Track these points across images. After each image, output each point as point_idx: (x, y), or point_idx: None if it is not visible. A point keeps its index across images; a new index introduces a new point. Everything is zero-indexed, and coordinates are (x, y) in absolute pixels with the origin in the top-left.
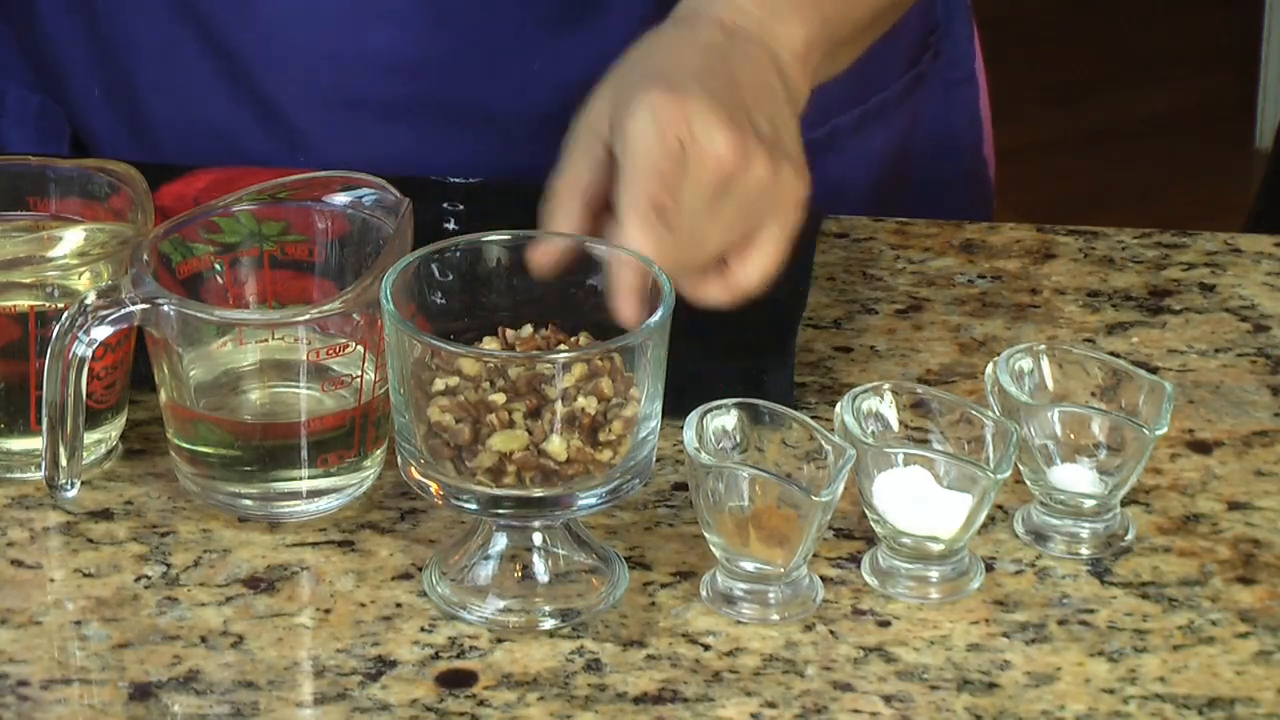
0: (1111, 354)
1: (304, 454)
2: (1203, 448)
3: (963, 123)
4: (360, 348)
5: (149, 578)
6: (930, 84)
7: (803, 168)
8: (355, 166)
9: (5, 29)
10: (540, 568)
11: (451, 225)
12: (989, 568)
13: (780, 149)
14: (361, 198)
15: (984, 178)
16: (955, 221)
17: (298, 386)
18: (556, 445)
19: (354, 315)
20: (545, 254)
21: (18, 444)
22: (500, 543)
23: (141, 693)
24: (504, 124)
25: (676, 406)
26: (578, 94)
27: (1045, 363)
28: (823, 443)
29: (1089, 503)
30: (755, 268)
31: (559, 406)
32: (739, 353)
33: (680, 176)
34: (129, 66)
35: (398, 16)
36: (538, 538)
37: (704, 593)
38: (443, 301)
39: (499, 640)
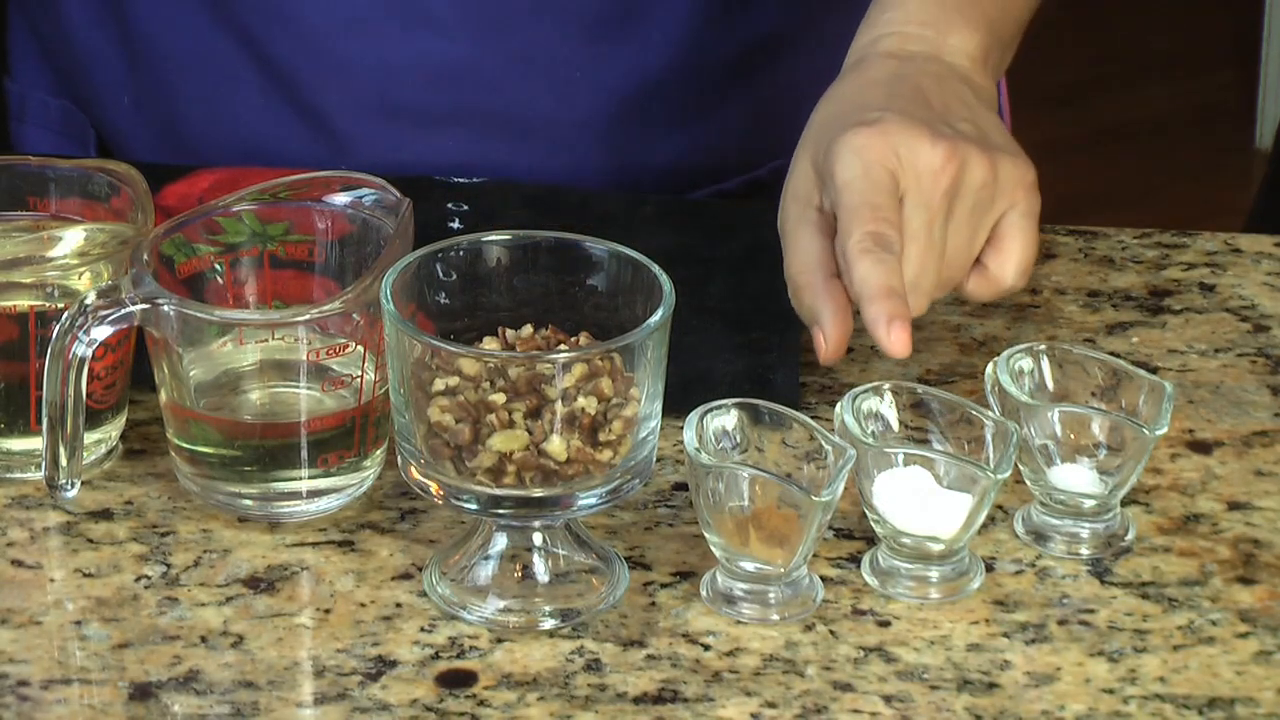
0: (1111, 354)
1: (304, 454)
2: (1203, 448)
3: None
4: (360, 348)
5: (149, 578)
6: None
7: (1019, 153)
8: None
9: (28, 36)
10: (540, 568)
11: (456, 225)
12: (989, 568)
13: (989, 142)
14: (362, 198)
15: None
16: None
17: (298, 386)
18: (556, 445)
19: (354, 315)
20: (834, 348)
21: (18, 444)
22: (500, 543)
23: (141, 693)
24: (545, 131)
25: (682, 404)
26: (619, 101)
27: (1045, 363)
28: (823, 443)
29: (1089, 503)
30: (1010, 260)
31: (559, 406)
32: (744, 351)
33: (896, 204)
34: (164, 76)
35: (440, 24)
36: (538, 538)
37: (704, 593)
38: (443, 301)
39: (499, 640)
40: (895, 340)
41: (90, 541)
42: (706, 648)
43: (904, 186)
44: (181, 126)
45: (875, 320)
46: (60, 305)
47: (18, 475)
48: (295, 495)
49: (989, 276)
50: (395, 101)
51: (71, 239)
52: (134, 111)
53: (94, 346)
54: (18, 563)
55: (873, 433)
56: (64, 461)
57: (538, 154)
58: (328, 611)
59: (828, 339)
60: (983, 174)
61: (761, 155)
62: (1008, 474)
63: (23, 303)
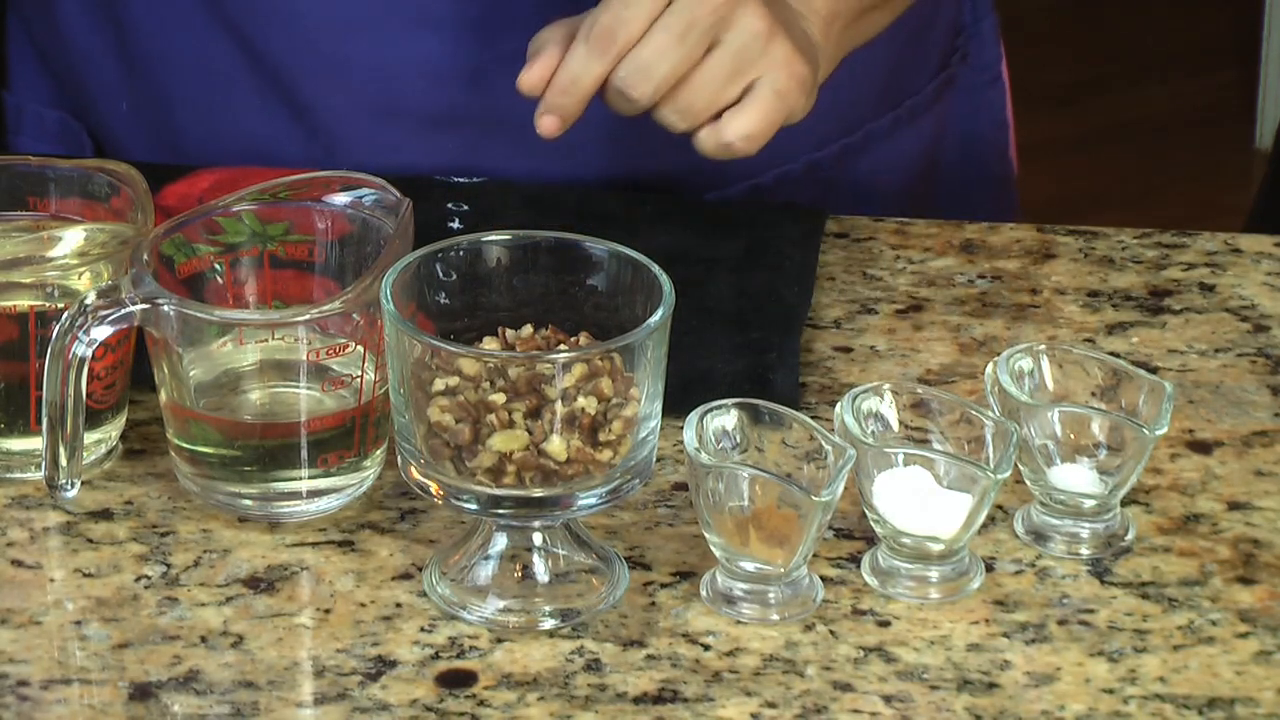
0: (1111, 354)
1: (304, 454)
2: (1203, 448)
3: (989, 125)
4: (360, 348)
5: (149, 578)
6: (958, 87)
7: (806, 52)
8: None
9: (25, 46)
10: (540, 568)
11: (456, 225)
12: (989, 568)
13: (783, 20)
14: (362, 198)
15: (1009, 180)
16: (955, 221)
17: (298, 386)
18: (556, 445)
19: (354, 315)
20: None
21: (18, 444)
22: (500, 543)
23: (141, 693)
24: None
25: (682, 404)
26: None
27: (1045, 363)
28: (823, 443)
29: (1089, 503)
30: (742, 119)
31: (559, 406)
32: (744, 351)
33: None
34: (161, 80)
35: (441, 25)
36: (538, 538)
37: (704, 593)
38: (443, 301)
39: (499, 640)
40: (544, 128)
41: (90, 541)
42: (706, 648)
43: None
44: (179, 132)
45: (542, 104)
46: (60, 305)
47: (18, 475)
48: (295, 495)
49: (718, 126)
50: (396, 103)
51: (71, 239)
52: (132, 117)
53: (94, 346)
54: (18, 563)
55: (873, 433)
56: (64, 461)
57: (538, 158)
58: (328, 611)
59: (525, 81)
60: (758, 27)
61: (762, 162)
62: (1008, 474)
63: (23, 303)
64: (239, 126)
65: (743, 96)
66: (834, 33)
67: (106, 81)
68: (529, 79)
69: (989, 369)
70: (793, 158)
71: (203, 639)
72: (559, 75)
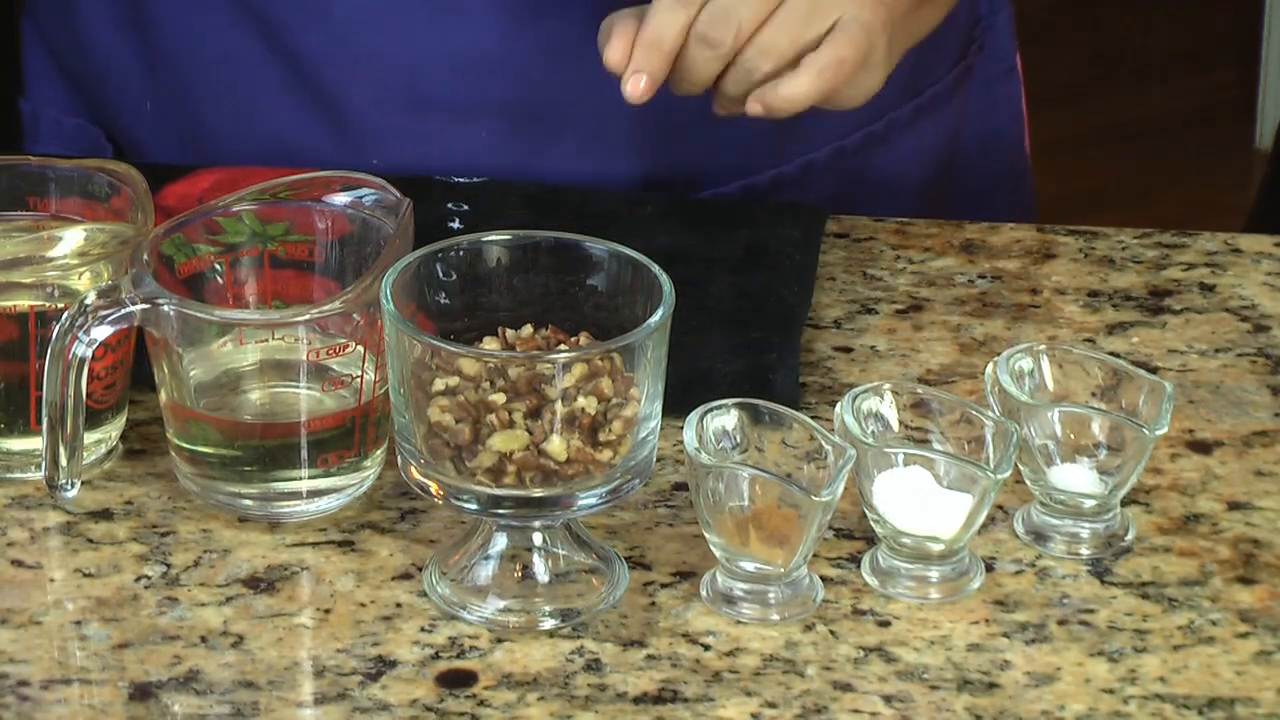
0: (1111, 354)
1: (304, 454)
2: (1203, 448)
3: (1006, 118)
4: (360, 348)
5: (149, 578)
6: (976, 79)
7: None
8: (425, 170)
9: (41, 52)
10: (540, 568)
11: (456, 225)
12: (989, 568)
13: None
14: (362, 198)
15: (1025, 173)
16: (955, 221)
17: (298, 386)
18: (556, 445)
19: (354, 315)
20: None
21: (18, 444)
22: (500, 543)
23: (141, 693)
24: (577, 125)
25: (682, 404)
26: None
27: (1045, 363)
28: (823, 443)
29: (1089, 503)
30: (825, 56)
31: (559, 406)
32: (744, 351)
33: None
34: (186, 79)
35: (472, 15)
36: (538, 538)
37: (704, 593)
38: (443, 301)
39: (499, 640)
40: (631, 90)
41: (90, 541)
42: (706, 648)
43: None
44: (205, 130)
45: (629, 67)
46: (60, 305)
47: (18, 475)
48: (295, 495)
49: (799, 67)
50: (426, 95)
51: (71, 239)
52: (155, 118)
53: (94, 346)
54: (18, 563)
55: (873, 433)
56: (64, 461)
57: (568, 147)
58: (328, 611)
59: (611, 56)
60: None
61: (789, 150)
62: (1008, 474)
63: (23, 303)
64: (266, 123)
65: (826, 34)
66: (894, 14)
67: (129, 82)
68: (612, 52)
69: (989, 369)
70: (817, 145)
71: (203, 639)
72: (643, 33)
